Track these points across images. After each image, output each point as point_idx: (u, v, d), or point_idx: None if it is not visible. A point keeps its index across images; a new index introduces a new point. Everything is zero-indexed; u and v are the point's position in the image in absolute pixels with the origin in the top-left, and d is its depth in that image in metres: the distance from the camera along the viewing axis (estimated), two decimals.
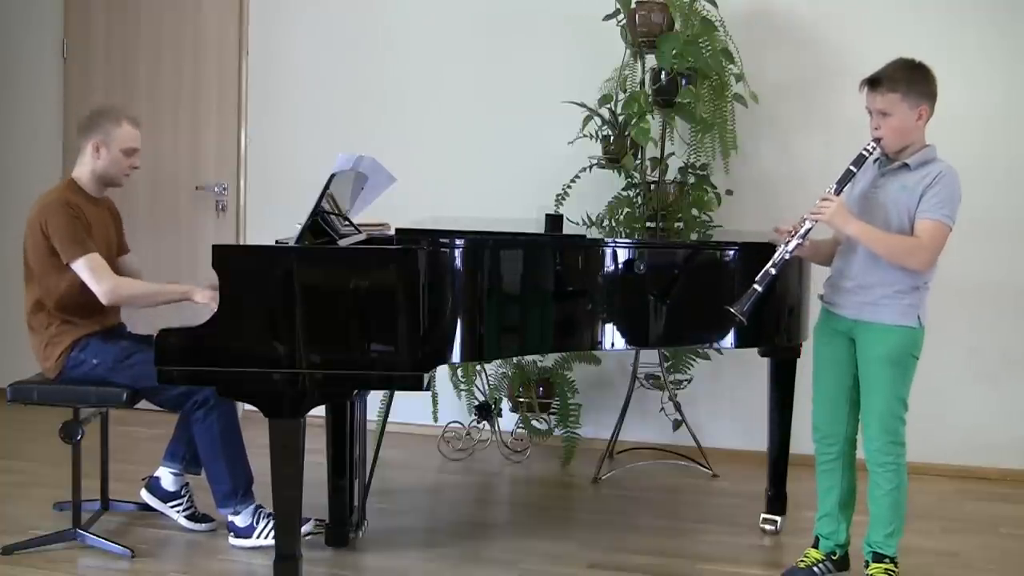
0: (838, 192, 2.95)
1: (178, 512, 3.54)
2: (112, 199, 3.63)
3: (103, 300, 3.27)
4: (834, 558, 3.21)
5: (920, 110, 2.94)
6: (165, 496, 3.55)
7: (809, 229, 2.95)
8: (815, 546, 3.24)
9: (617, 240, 3.42)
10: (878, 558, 3.05)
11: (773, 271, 2.94)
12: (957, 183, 2.93)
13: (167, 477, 3.56)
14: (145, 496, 3.57)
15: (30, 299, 3.38)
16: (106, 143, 3.43)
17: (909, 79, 2.94)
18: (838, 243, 3.15)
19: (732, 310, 2.93)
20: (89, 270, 3.26)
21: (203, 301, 3.23)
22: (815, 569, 3.20)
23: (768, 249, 3.42)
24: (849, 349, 3.08)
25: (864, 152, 2.96)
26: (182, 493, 3.56)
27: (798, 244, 2.95)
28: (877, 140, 2.95)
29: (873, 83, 2.95)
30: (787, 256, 2.95)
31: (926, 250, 2.89)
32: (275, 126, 5.09)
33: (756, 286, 2.93)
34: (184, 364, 2.85)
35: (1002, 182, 4.37)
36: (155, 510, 3.56)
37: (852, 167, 2.96)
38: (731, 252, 3.42)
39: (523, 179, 4.58)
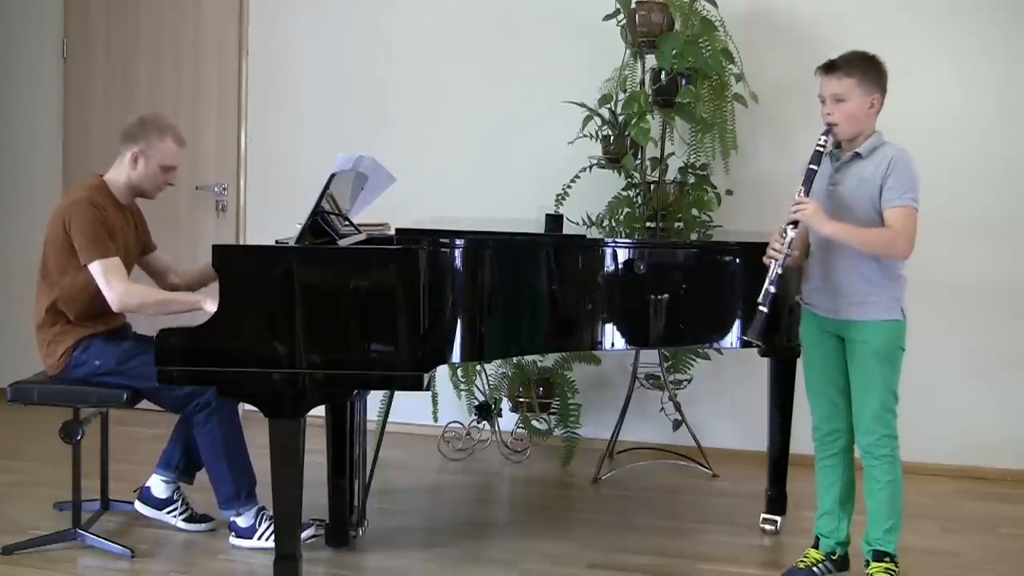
0: (807, 193, 2.98)
1: (175, 517, 3.54)
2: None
3: (113, 306, 3.25)
4: (834, 558, 3.21)
5: (872, 99, 2.99)
6: (158, 504, 3.55)
7: (792, 239, 2.97)
8: (815, 546, 3.24)
9: (617, 240, 3.42)
10: (878, 556, 3.06)
11: (773, 289, 2.96)
12: (911, 164, 2.96)
13: (158, 485, 3.55)
14: (139, 507, 3.56)
15: (45, 299, 3.34)
16: (146, 155, 3.41)
17: (864, 67, 2.99)
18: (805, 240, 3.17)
19: (750, 339, 2.99)
20: (104, 273, 3.24)
21: (214, 310, 3.21)
22: (815, 569, 3.20)
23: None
24: (838, 347, 3.10)
25: (819, 148, 2.99)
26: (175, 498, 3.55)
27: (787, 256, 2.97)
28: (830, 126, 3.00)
29: (829, 68, 3.01)
30: (779, 271, 2.97)
31: (902, 237, 2.92)
32: (275, 126, 5.09)
33: (761, 308, 2.96)
34: (184, 364, 2.85)
35: (1000, 181, 4.37)
36: (153, 519, 3.55)
37: (812, 166, 3.00)
38: (731, 252, 3.42)
39: (523, 179, 4.58)
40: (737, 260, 3.41)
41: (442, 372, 4.49)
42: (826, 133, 3.00)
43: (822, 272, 3.06)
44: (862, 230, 2.94)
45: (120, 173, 3.44)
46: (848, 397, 3.12)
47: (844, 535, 3.22)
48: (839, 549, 3.22)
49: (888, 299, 3.01)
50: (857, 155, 3.01)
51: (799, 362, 3.53)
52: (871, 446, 3.02)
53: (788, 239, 2.96)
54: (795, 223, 2.97)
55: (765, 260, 3.02)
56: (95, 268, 3.25)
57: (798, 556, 3.26)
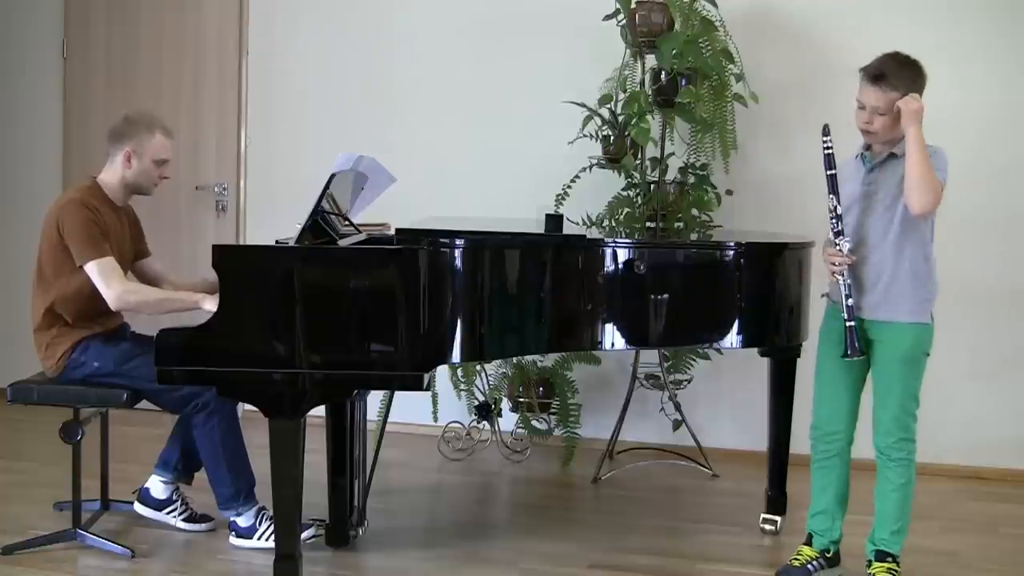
0: (839, 201, 2.99)
1: (175, 517, 3.54)
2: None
3: (111, 305, 3.25)
4: (827, 555, 3.22)
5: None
6: (158, 505, 3.55)
7: (849, 246, 2.98)
8: (808, 543, 3.25)
9: (617, 240, 3.42)
10: (881, 556, 3.06)
11: (851, 302, 2.98)
12: (946, 157, 2.97)
13: (157, 486, 3.55)
14: (139, 508, 3.56)
15: (41, 302, 3.34)
16: (138, 153, 3.39)
17: (911, 78, 2.95)
18: None
19: (849, 357, 2.99)
20: (100, 274, 3.23)
21: (213, 309, 3.21)
22: (809, 567, 3.20)
23: (769, 248, 3.44)
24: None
25: (827, 152, 3.00)
26: (174, 499, 3.55)
27: (850, 264, 2.99)
28: (866, 133, 3.00)
29: (877, 79, 2.94)
30: (849, 281, 2.98)
31: (938, 191, 2.91)
32: (275, 126, 5.09)
33: (849, 323, 2.97)
34: (184, 364, 2.85)
35: (999, 180, 4.37)
36: (152, 519, 3.55)
37: (831, 171, 3.01)
38: (731, 252, 3.42)
39: (523, 179, 4.58)
40: (737, 260, 3.40)
41: (442, 372, 4.49)
42: (826, 134, 3.00)
43: (853, 273, 3.04)
44: (927, 162, 2.88)
45: (113, 174, 3.43)
46: (856, 401, 3.13)
47: (837, 534, 3.23)
48: (832, 547, 3.23)
49: (919, 301, 3.01)
50: (893, 155, 3.00)
51: (799, 362, 3.54)
52: (888, 448, 3.03)
53: (846, 248, 2.98)
54: (840, 232, 2.98)
55: (833, 277, 3.04)
56: (91, 268, 3.24)
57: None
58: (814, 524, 3.25)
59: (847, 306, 2.97)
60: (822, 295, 3.25)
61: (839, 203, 2.99)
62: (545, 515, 3.89)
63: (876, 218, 3.00)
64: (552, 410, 4.49)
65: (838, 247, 2.99)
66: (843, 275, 2.98)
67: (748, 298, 3.39)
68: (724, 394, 4.64)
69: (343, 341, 2.83)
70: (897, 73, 2.94)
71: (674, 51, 4.01)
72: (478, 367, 4.55)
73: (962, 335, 4.41)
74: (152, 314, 3.36)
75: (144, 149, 3.40)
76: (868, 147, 3.08)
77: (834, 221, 3.00)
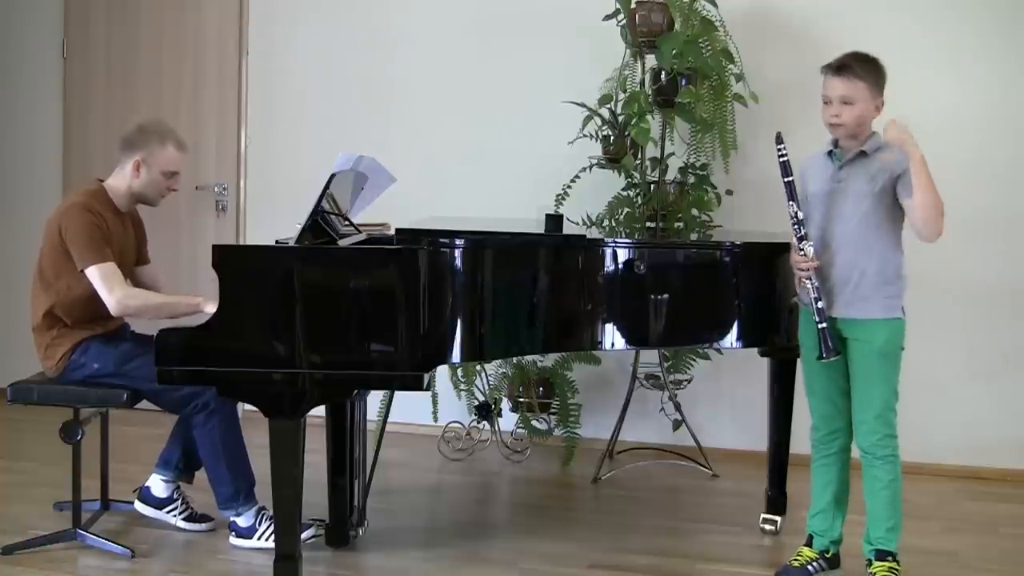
0: (799, 207, 3.01)
1: (175, 516, 3.54)
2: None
3: (112, 311, 3.25)
4: (827, 556, 3.22)
5: (878, 102, 3.01)
6: (159, 503, 3.55)
7: (814, 251, 3.00)
8: (808, 544, 3.25)
9: (617, 240, 3.42)
10: (881, 556, 3.06)
11: (822, 304, 2.99)
12: None
13: (158, 485, 3.55)
14: (139, 507, 3.56)
15: (41, 303, 3.34)
16: (148, 163, 3.40)
17: (875, 71, 3.00)
18: None
19: (825, 358, 3.00)
20: (102, 279, 3.23)
21: (214, 311, 3.21)
22: (809, 568, 3.20)
23: (768, 248, 3.44)
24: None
25: (783, 160, 3.04)
26: (175, 497, 3.55)
27: (815, 268, 3.00)
28: (834, 126, 3.01)
29: (840, 69, 2.98)
30: (817, 283, 3.00)
31: (943, 213, 2.94)
32: (275, 126, 5.09)
33: (820, 324, 2.99)
34: (184, 364, 2.85)
35: (999, 180, 4.37)
36: (153, 518, 3.55)
37: (788, 179, 3.03)
38: (731, 252, 3.42)
39: (523, 179, 4.58)
40: (737, 260, 3.40)
41: (442, 372, 4.49)
42: (780, 142, 3.05)
43: (822, 271, 3.06)
44: (933, 185, 2.90)
45: (121, 181, 3.43)
46: (848, 398, 3.13)
47: (838, 534, 3.23)
48: (832, 548, 3.23)
49: (889, 297, 3.02)
50: (863, 153, 3.01)
51: (799, 362, 3.54)
52: (873, 446, 3.03)
53: (811, 253, 3.00)
54: (804, 237, 3.00)
55: (800, 282, 3.06)
56: (92, 273, 3.24)
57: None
58: (814, 524, 3.25)
59: (817, 308, 2.99)
60: (791, 300, 3.27)
61: (799, 209, 3.02)
62: (545, 515, 3.89)
63: (846, 216, 3.02)
64: (552, 410, 4.49)
65: (803, 252, 3.01)
66: (811, 279, 3.00)
67: (748, 298, 3.39)
68: (724, 394, 4.64)
69: (343, 341, 2.83)
70: (862, 64, 2.98)
71: (674, 51, 4.01)
72: (478, 367, 4.55)
73: (962, 335, 4.42)
74: (153, 318, 3.36)
75: (154, 160, 3.40)
76: (836, 144, 3.09)
77: (796, 227, 3.03)
